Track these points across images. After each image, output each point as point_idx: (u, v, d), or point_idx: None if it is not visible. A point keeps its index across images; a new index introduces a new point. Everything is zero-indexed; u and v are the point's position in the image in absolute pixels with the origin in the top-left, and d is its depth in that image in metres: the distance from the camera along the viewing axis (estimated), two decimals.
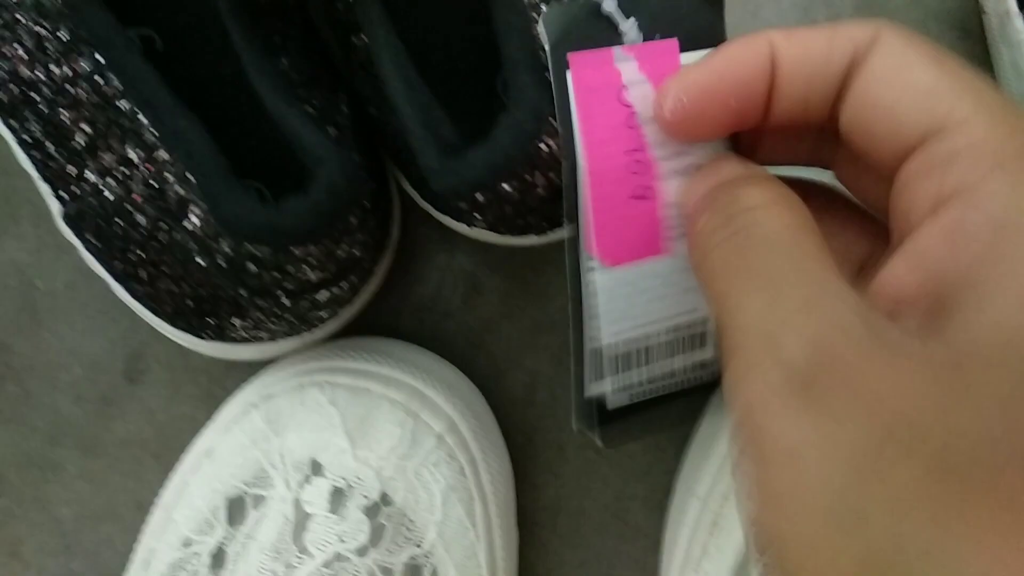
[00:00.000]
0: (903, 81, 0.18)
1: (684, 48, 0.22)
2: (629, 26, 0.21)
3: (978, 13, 0.33)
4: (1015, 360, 0.14)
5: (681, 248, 0.22)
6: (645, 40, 0.22)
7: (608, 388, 0.23)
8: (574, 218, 0.22)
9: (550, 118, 0.22)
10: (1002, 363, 0.14)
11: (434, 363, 0.31)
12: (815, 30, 0.19)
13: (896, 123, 0.18)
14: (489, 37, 0.23)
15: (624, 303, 0.22)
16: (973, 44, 0.33)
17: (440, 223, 0.29)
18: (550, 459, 0.33)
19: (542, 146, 0.21)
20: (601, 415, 0.23)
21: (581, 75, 0.21)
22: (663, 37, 0.22)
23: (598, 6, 0.21)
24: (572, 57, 0.21)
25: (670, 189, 0.21)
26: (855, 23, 0.20)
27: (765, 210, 0.18)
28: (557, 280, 0.33)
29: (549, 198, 0.23)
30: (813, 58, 0.19)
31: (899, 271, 0.17)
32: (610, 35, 0.22)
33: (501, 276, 0.33)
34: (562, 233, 0.27)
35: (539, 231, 0.26)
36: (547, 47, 0.21)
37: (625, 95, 0.21)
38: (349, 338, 0.31)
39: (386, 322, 0.33)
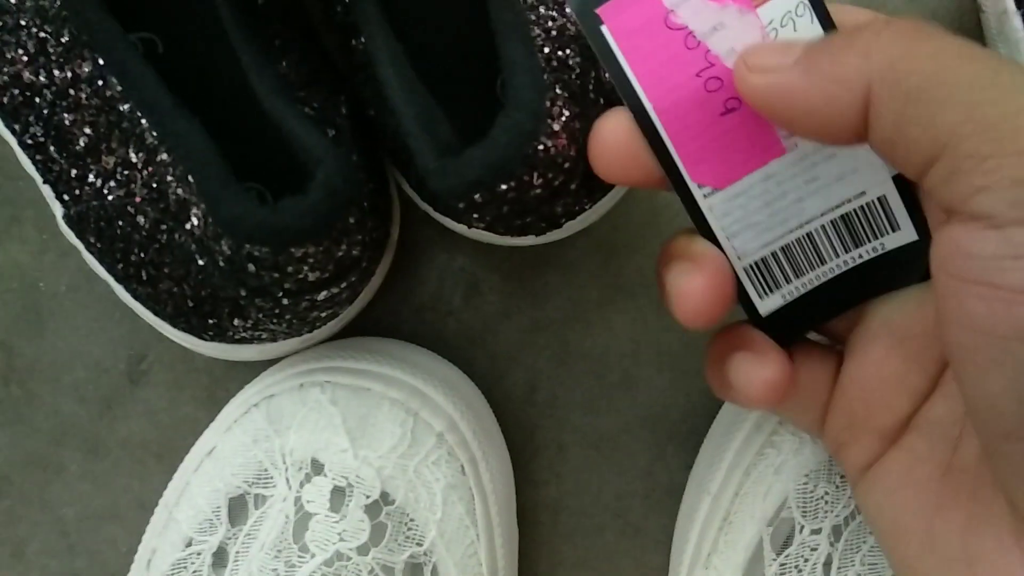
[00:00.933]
0: None
1: None
2: None
3: (976, 12, 0.33)
4: None
5: (802, 140, 0.21)
6: None
7: (779, 300, 0.23)
8: (672, 169, 0.21)
9: (558, 105, 0.22)
10: None
11: (434, 362, 0.31)
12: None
13: None
14: (488, 38, 0.23)
15: (756, 213, 0.22)
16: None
17: (440, 224, 0.30)
18: (550, 458, 0.33)
19: (540, 147, 0.21)
20: (766, 321, 0.23)
21: (617, 23, 0.20)
22: None
23: None
24: (602, 10, 0.20)
25: None
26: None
27: None
28: (556, 279, 0.33)
29: (547, 198, 0.23)
30: None
31: None
32: None
33: (501, 276, 0.33)
34: (560, 234, 0.27)
35: (538, 231, 0.26)
36: (575, 15, 0.21)
37: (673, 19, 0.20)
38: (350, 338, 0.31)
39: (386, 322, 0.33)
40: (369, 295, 0.30)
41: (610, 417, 0.33)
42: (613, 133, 0.21)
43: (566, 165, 0.22)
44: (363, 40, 0.24)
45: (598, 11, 0.21)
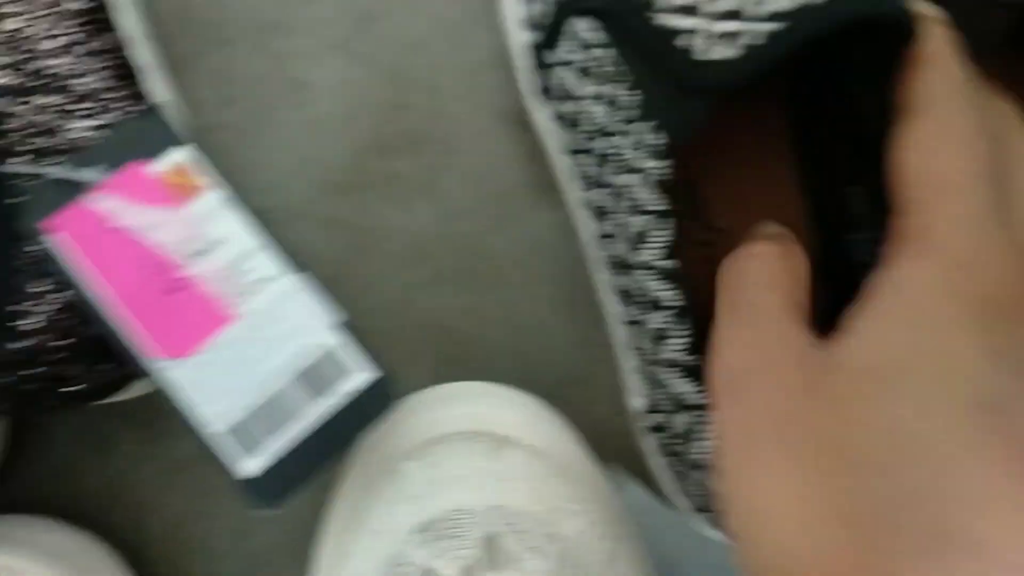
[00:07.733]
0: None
1: (153, 156, 0.24)
2: (89, 174, 0.24)
3: None
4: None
5: (249, 305, 0.23)
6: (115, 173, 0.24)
7: (261, 461, 0.23)
8: (121, 348, 0.23)
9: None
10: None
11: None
12: None
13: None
14: None
15: (221, 379, 0.23)
16: None
17: None
18: None
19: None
20: (251, 485, 0.23)
21: (60, 232, 0.23)
22: (132, 160, 0.24)
23: (51, 179, 0.23)
24: (42, 224, 0.23)
25: (202, 268, 0.23)
26: None
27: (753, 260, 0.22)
28: None
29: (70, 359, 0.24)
30: None
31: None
32: (80, 189, 0.24)
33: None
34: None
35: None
36: (32, 230, 0.23)
37: (111, 224, 0.24)
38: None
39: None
40: None
41: None
42: None
43: None
44: None
45: (38, 224, 0.23)
